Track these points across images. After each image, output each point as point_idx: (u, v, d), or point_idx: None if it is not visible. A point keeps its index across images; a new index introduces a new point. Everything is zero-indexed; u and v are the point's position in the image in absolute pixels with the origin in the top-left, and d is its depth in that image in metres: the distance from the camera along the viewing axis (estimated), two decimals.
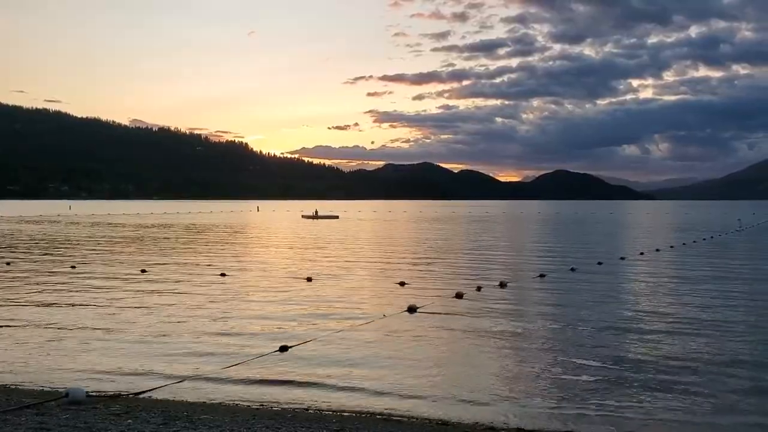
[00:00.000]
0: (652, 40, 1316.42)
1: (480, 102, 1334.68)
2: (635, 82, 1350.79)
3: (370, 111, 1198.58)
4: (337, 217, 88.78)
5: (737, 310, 16.03)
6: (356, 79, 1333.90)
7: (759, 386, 9.65)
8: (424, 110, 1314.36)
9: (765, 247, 39.61)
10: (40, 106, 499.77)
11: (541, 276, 22.46)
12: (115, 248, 35.68)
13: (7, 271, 23.99)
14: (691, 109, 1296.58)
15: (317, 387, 9.54)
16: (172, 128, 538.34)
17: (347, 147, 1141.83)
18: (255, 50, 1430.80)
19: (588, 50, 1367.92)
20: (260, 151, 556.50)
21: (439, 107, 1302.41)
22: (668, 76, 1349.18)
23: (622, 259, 29.31)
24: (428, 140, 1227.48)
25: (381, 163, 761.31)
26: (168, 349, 11.84)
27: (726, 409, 8.66)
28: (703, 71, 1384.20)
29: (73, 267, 25.21)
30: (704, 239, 43.49)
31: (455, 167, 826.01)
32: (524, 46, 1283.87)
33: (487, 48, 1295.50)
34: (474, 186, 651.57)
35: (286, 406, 8.60)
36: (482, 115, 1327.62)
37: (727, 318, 14.91)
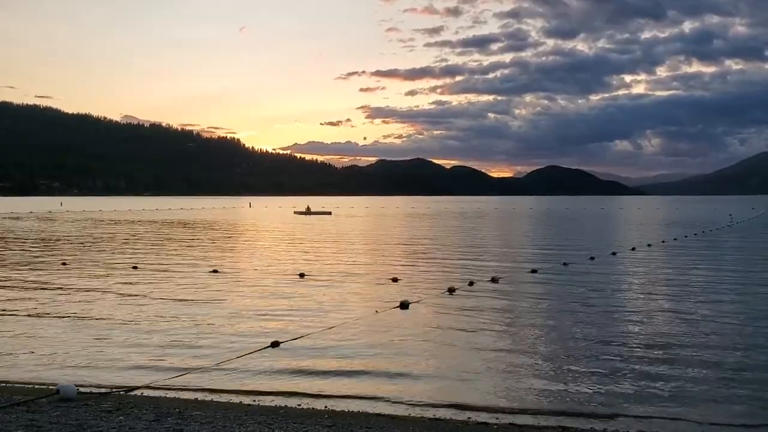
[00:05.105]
0: (646, 35, 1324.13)
1: (473, 98, 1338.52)
2: (628, 78, 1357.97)
3: (362, 107, 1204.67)
4: (329, 213, 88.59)
5: (729, 305, 16.09)
6: (349, 74, 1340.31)
7: (745, 378, 9.71)
8: (417, 106, 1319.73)
9: (755, 242, 39.77)
10: (31, 102, 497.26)
11: (533, 271, 22.51)
12: (107, 244, 35.53)
13: None
14: (683, 105, 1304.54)
15: (309, 383, 9.54)
16: (164, 124, 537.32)
17: (339, 143, 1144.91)
18: (247, 46, 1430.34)
19: (581, 45, 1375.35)
20: (252, 147, 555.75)
21: (432, 103, 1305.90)
22: (661, 72, 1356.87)
23: (614, 254, 29.38)
24: (421, 136, 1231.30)
25: (373, 159, 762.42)
26: (159, 345, 11.80)
27: (718, 405, 8.71)
28: (696, 67, 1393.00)
29: (64, 263, 25.09)
30: (695, 234, 43.66)
31: (447, 163, 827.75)
32: (517, 41, 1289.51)
33: (480, 43, 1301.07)
34: (466, 182, 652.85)
35: (278, 403, 8.59)
36: (475, 110, 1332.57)
37: (718, 312, 14.96)
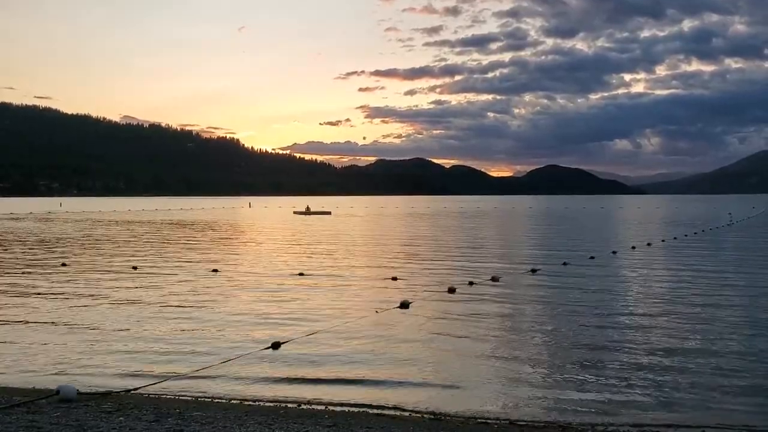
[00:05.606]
0: (645, 34, 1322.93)
1: (472, 97, 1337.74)
2: (627, 77, 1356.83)
3: (361, 106, 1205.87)
4: (329, 213, 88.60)
5: (728, 304, 16.09)
6: (348, 74, 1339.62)
7: (746, 380, 9.70)
8: (416, 105, 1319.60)
9: (755, 241, 39.76)
10: (30, 103, 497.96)
11: (533, 271, 22.50)
12: (107, 245, 35.51)
13: None
14: (682, 104, 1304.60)
15: (309, 383, 9.53)
16: (164, 124, 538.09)
17: (339, 142, 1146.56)
18: (246, 46, 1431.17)
19: (580, 44, 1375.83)
20: (252, 147, 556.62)
21: (431, 102, 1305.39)
22: (660, 71, 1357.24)
23: (614, 253, 29.39)
24: (420, 136, 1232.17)
25: (373, 159, 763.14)
26: (159, 345, 11.79)
27: (715, 404, 8.71)
28: (695, 65, 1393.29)
29: (63, 264, 25.08)
30: (695, 233, 43.65)
31: (447, 163, 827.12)
32: (516, 40, 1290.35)
33: (480, 43, 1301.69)
34: (466, 181, 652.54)
35: (279, 403, 8.58)
36: (474, 110, 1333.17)
37: (717, 311, 14.97)
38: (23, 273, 22.86)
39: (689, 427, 7.83)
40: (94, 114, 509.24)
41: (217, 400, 8.71)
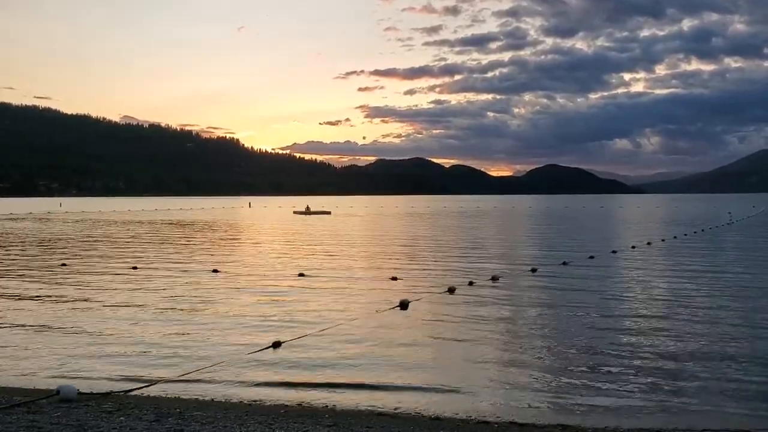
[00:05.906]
0: (645, 33, 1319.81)
1: (472, 97, 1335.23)
2: (627, 76, 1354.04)
3: (361, 106, 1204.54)
4: (329, 212, 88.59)
5: (728, 304, 16.07)
6: (347, 74, 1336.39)
7: (748, 382, 9.70)
8: (416, 105, 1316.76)
9: (754, 239, 39.78)
10: (30, 103, 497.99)
11: (533, 270, 22.51)
12: (106, 245, 35.52)
13: None
14: (682, 103, 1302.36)
15: (310, 383, 9.54)
16: (163, 124, 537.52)
17: (339, 142, 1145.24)
18: (245, 46, 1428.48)
19: (580, 44, 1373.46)
20: (251, 147, 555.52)
21: (431, 102, 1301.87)
22: (660, 70, 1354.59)
23: (614, 252, 29.41)
24: (420, 135, 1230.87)
25: (372, 159, 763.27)
26: (159, 346, 11.79)
27: (715, 404, 8.72)
28: (695, 65, 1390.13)
29: (63, 264, 25.09)
30: (695, 233, 43.68)
31: (447, 162, 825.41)
32: (516, 40, 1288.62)
33: (479, 42, 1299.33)
34: (465, 181, 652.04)
35: (279, 402, 8.59)
36: (474, 109, 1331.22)
37: (718, 312, 14.98)
38: (23, 273, 22.87)
39: (690, 430, 7.80)
40: (93, 114, 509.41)
41: (217, 400, 8.71)
